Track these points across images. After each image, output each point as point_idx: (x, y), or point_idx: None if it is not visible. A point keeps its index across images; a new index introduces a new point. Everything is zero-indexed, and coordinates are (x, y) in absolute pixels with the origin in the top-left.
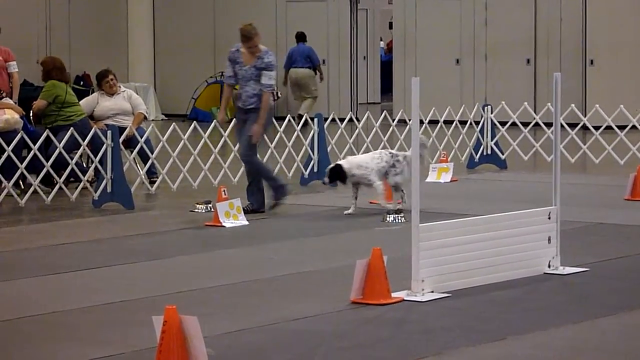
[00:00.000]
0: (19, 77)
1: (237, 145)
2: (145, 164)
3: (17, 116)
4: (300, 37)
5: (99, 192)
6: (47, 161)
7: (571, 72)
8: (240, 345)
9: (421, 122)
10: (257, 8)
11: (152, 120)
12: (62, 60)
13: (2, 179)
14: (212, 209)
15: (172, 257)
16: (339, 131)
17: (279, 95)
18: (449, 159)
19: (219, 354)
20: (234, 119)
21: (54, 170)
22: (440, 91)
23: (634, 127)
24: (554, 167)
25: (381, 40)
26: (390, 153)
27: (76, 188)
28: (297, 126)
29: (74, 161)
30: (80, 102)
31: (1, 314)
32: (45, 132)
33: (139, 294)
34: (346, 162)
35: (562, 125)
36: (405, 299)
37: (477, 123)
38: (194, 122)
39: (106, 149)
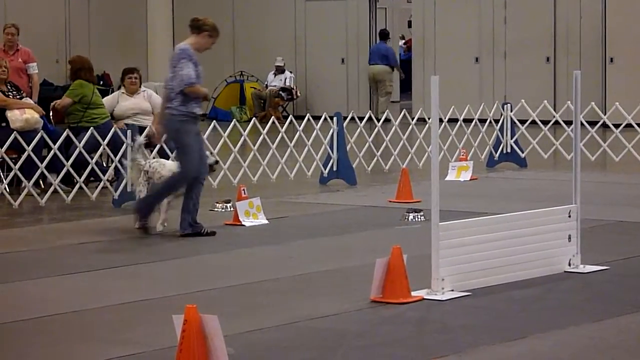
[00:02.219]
0: (39, 77)
1: (195, 161)
2: None
3: (37, 116)
4: (382, 36)
5: (119, 191)
6: (67, 161)
7: (591, 70)
8: (260, 344)
9: (440, 120)
10: (276, 8)
11: None
12: (89, 59)
13: (23, 179)
14: (232, 208)
15: (191, 256)
16: (358, 130)
17: (299, 94)
18: (468, 158)
19: (239, 352)
20: (190, 128)
21: (74, 170)
22: (459, 89)
23: None
24: (574, 165)
25: (401, 38)
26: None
27: (96, 187)
28: (379, 123)
29: (94, 161)
30: None
31: (21, 313)
32: (65, 132)
33: (158, 293)
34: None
35: (582, 124)
36: (425, 297)
37: (497, 121)
38: (214, 121)
39: (126, 148)
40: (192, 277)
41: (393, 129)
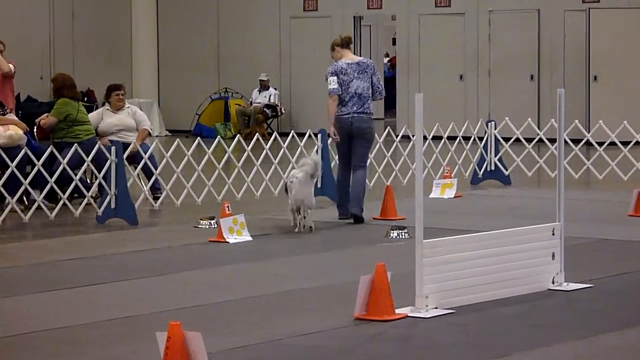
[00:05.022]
0: (23, 94)
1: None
2: (149, 180)
3: (20, 132)
4: None
5: (102, 208)
6: (51, 177)
7: (575, 88)
8: None
9: (425, 138)
10: (261, 24)
11: (156, 136)
12: (71, 77)
13: (6, 195)
14: (216, 225)
15: (176, 273)
16: None
17: (283, 111)
18: (452, 175)
19: None
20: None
21: (58, 186)
22: (443, 107)
23: (637, 143)
24: (558, 183)
25: (385, 56)
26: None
27: (80, 204)
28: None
29: (77, 177)
30: None
31: (6, 330)
32: (49, 148)
33: (143, 310)
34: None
35: (565, 141)
36: (409, 315)
37: (481, 139)
38: (198, 138)
39: (110, 164)
40: (176, 294)
41: (377, 146)
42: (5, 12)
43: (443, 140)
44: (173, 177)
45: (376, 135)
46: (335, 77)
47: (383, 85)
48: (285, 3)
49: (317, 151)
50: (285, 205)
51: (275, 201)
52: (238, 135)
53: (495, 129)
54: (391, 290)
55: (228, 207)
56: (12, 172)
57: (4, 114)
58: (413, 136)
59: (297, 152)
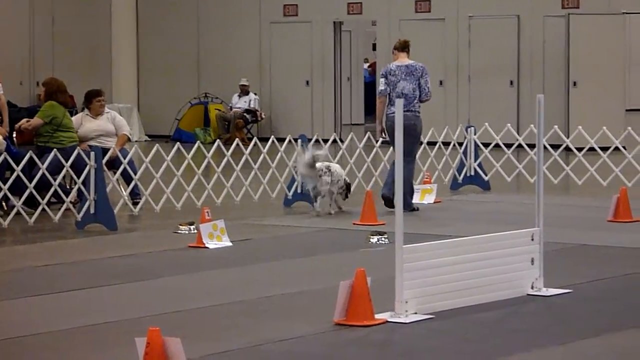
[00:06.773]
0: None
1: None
2: (128, 185)
3: (0, 138)
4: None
5: (82, 213)
6: (31, 182)
7: (554, 94)
8: None
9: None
10: (240, 29)
11: (136, 141)
12: (63, 82)
13: None
14: (196, 230)
15: (155, 279)
16: (322, 152)
17: (263, 116)
18: (432, 180)
19: None
20: None
21: (37, 192)
22: (423, 112)
23: (616, 148)
24: (537, 188)
25: (365, 61)
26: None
27: (59, 209)
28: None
29: (57, 182)
30: None
31: None
32: (28, 154)
33: (122, 316)
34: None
35: (545, 147)
36: (389, 320)
37: (461, 144)
38: (178, 143)
39: (89, 170)
40: (155, 299)
41: (357, 151)
42: None
43: (423, 146)
44: (152, 183)
45: (356, 140)
46: (384, 79)
47: (430, 88)
48: (265, 8)
49: (310, 147)
50: (266, 211)
51: (256, 206)
52: (218, 140)
53: (474, 134)
54: (371, 295)
55: (208, 212)
56: None
57: None
58: None
59: (277, 157)
